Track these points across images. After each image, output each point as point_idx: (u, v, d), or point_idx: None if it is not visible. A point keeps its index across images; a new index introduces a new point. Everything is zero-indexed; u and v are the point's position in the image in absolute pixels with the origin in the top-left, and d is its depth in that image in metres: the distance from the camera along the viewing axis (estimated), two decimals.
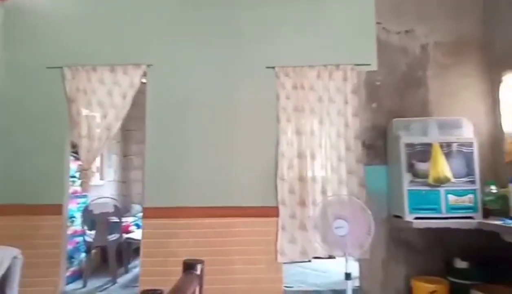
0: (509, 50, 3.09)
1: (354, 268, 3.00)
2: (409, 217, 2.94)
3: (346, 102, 3.26)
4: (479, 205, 2.89)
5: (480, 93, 3.33)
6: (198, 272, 1.64)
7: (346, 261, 2.68)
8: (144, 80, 3.40)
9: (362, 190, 3.17)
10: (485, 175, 3.00)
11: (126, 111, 3.34)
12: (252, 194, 3.24)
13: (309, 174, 3.19)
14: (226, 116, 3.35)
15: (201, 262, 1.67)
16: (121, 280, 4.21)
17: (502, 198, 2.83)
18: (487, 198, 2.92)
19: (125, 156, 6.52)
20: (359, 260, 3.23)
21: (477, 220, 2.83)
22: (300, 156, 3.22)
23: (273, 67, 3.34)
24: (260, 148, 3.29)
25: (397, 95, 3.37)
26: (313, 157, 3.22)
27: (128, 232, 4.72)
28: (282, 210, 3.18)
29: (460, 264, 2.95)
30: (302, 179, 3.20)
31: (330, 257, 3.29)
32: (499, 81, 3.14)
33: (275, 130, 3.28)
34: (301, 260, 3.19)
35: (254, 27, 3.43)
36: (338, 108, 3.27)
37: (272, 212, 3.19)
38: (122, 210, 4.82)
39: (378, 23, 3.41)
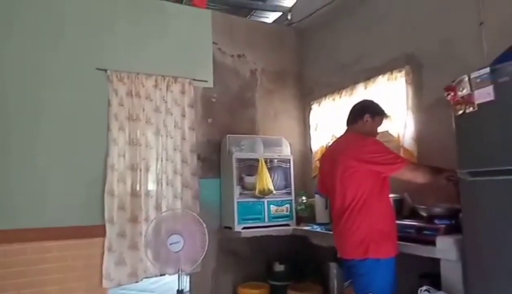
0: (314, 84, 3.77)
1: (185, 283, 2.97)
2: (238, 227, 3.13)
3: (183, 115, 3.26)
4: (294, 213, 3.34)
5: (296, 117, 3.90)
6: None
7: (179, 277, 2.63)
8: None
9: (197, 203, 3.20)
10: (298, 187, 3.49)
11: None
12: (72, 212, 2.81)
13: (143, 188, 3.01)
14: (41, 120, 2.82)
15: None
16: None
17: (310, 206, 3.36)
18: (299, 207, 3.41)
19: None
20: (191, 274, 3.22)
21: (292, 227, 3.26)
22: (133, 168, 3.00)
23: (105, 70, 3.03)
24: (85, 159, 2.90)
25: (230, 113, 3.59)
26: (147, 170, 3.05)
27: None
28: (110, 229, 2.87)
29: (278, 267, 3.32)
30: (134, 193, 2.98)
31: (161, 275, 3.16)
32: (309, 108, 3.77)
33: (105, 140, 2.97)
34: (129, 283, 2.93)
35: (83, 22, 3.02)
36: (175, 120, 3.22)
37: (97, 231, 2.85)
38: None
39: (214, 43, 3.57)
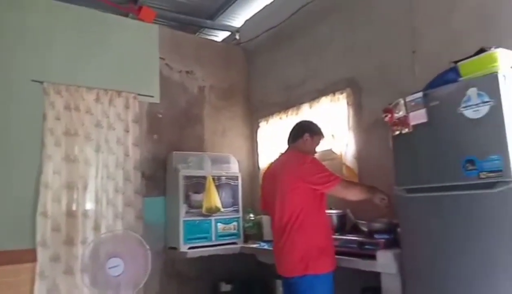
0: (262, 103, 3.84)
1: None
2: (183, 248, 3.03)
3: (127, 131, 3.12)
4: (241, 231, 3.31)
5: (244, 135, 3.92)
6: None
7: None
8: None
9: (140, 223, 3.05)
10: (246, 204, 3.48)
11: None
12: None
13: (80, 208, 2.81)
14: None
15: None
16: None
17: (258, 224, 3.35)
18: (247, 225, 3.39)
19: None
20: None
21: (239, 245, 3.23)
22: (70, 186, 2.80)
23: (41, 82, 2.83)
24: (16, 176, 2.67)
25: (177, 129, 3.52)
26: (85, 188, 2.86)
27: None
28: (42, 253, 2.64)
29: (225, 287, 3.25)
30: (70, 214, 2.77)
31: None
32: (257, 126, 3.82)
33: (38, 156, 2.74)
34: None
35: (19, 31, 2.82)
36: (118, 136, 3.08)
37: (27, 256, 2.60)
38: None
39: (161, 58, 3.51)
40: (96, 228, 2.86)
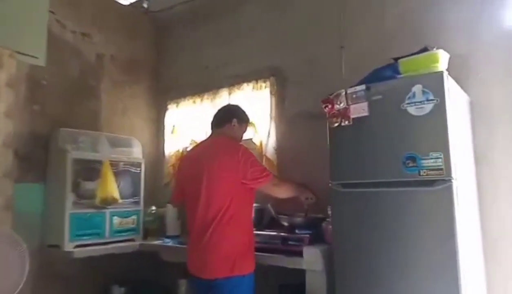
0: (173, 82, 3.44)
1: None
2: (69, 246, 2.49)
3: None
4: (141, 226, 2.90)
5: (148, 116, 3.47)
6: None
7: None
8: None
9: (8, 215, 2.38)
10: (147, 195, 3.06)
11: None
12: None
13: None
14: None
15: None
16: None
17: (160, 217, 2.98)
18: (147, 219, 2.98)
19: None
20: None
21: (138, 242, 2.81)
22: None
23: None
24: None
25: (66, 101, 2.89)
26: None
27: None
28: None
29: (118, 290, 2.81)
30: None
31: None
32: (165, 108, 3.41)
33: None
34: None
35: None
36: None
37: None
38: None
39: (52, 12, 2.83)
40: None
